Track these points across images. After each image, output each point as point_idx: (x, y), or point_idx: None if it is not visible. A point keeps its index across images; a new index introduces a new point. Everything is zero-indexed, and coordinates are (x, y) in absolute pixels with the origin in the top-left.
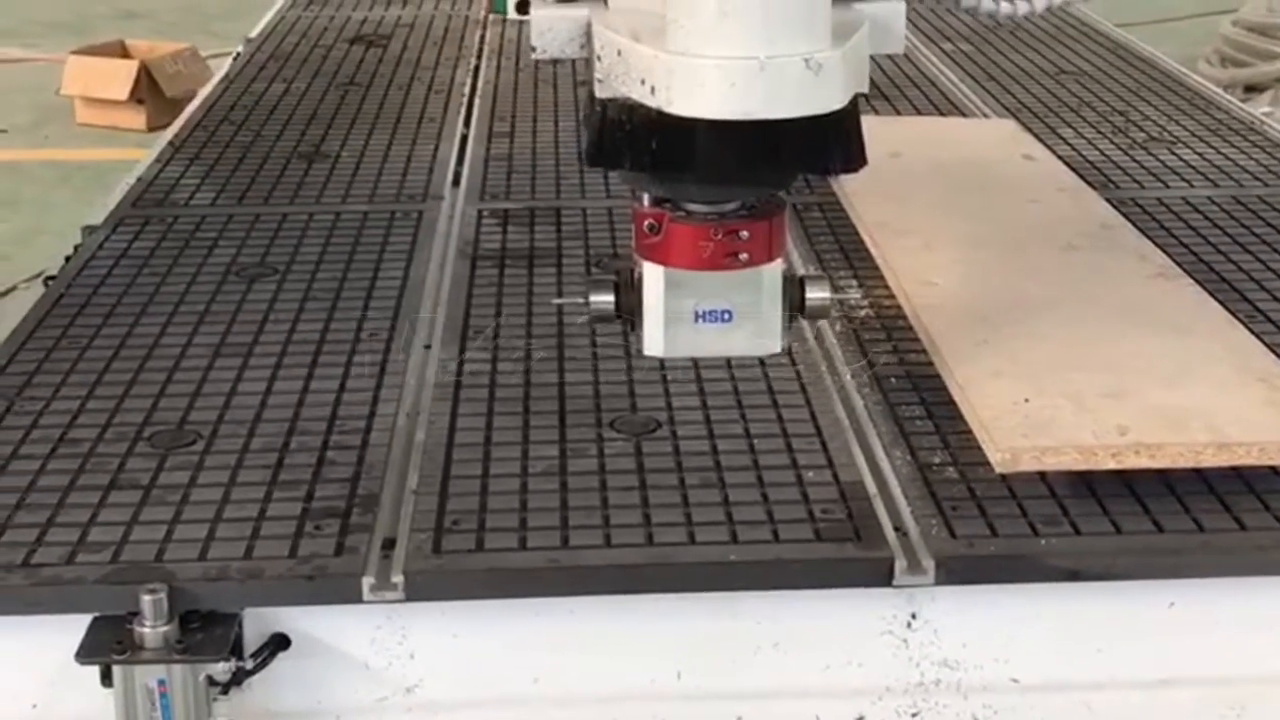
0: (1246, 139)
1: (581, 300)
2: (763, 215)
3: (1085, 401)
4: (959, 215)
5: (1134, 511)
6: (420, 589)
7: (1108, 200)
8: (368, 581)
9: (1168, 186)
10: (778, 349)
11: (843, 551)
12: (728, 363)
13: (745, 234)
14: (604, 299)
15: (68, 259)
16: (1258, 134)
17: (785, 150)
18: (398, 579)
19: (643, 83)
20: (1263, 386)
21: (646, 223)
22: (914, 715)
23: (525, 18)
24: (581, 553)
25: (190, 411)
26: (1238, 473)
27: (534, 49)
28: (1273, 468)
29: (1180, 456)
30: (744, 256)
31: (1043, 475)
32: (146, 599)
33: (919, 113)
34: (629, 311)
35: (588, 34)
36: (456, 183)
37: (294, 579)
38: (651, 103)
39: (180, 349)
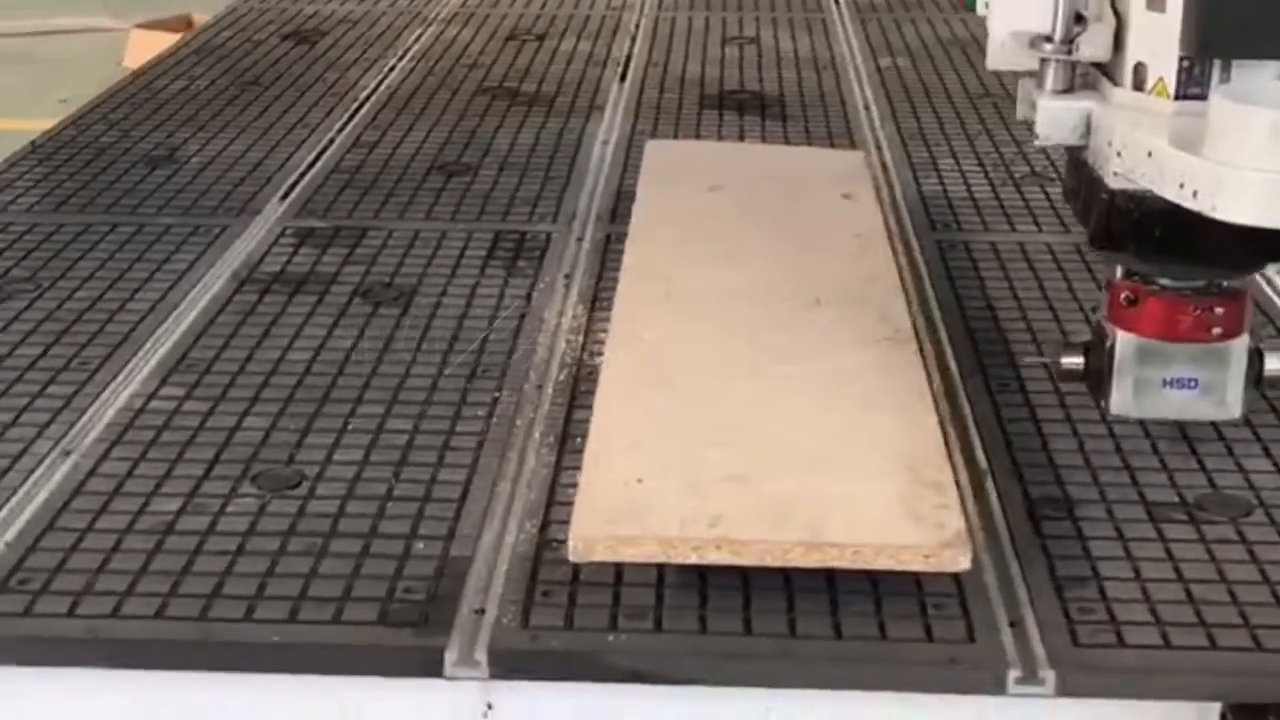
0: None
1: (1050, 361)
2: (1233, 293)
3: (701, 484)
4: (726, 261)
5: (724, 609)
6: None
7: (937, 242)
8: None
9: (1014, 229)
10: (1237, 416)
11: (397, 638)
12: (419, 415)
13: (1220, 310)
14: (1074, 361)
15: None
16: None
17: None
18: None
19: (1181, 185)
20: (907, 477)
21: (1124, 295)
22: None
23: None
24: (127, 623)
25: None
26: (828, 575)
27: (1038, 136)
28: (866, 571)
29: (767, 554)
30: (1216, 331)
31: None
32: None
33: (808, 134)
34: (1096, 374)
35: (1088, 124)
36: (289, 194)
37: None
38: (1190, 205)
39: None
